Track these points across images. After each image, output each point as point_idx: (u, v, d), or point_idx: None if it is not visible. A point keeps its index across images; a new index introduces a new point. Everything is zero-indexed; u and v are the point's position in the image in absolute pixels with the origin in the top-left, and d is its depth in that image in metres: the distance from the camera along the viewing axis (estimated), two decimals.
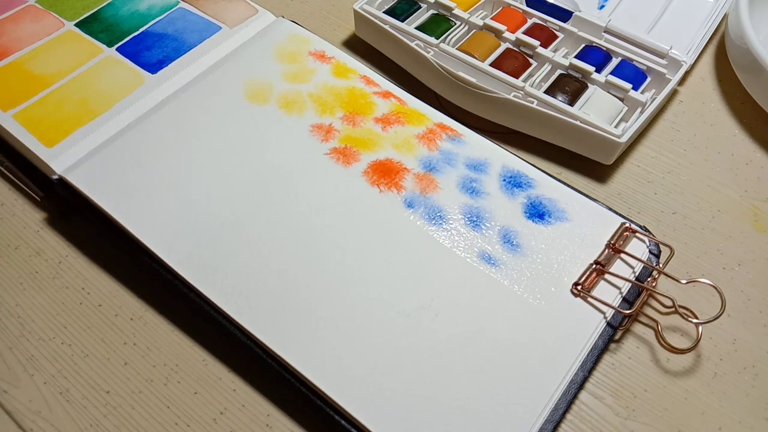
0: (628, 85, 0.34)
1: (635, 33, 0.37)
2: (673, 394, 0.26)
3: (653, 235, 0.29)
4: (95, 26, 0.36)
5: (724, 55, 0.39)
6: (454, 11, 0.38)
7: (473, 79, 0.34)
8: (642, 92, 0.35)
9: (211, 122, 0.31)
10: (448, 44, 0.36)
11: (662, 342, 0.28)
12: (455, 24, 0.38)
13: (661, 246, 0.29)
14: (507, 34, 0.36)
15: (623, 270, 0.28)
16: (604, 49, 0.37)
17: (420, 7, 0.39)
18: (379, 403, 0.24)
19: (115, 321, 0.28)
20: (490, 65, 0.35)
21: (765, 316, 0.29)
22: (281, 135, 0.31)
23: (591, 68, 0.34)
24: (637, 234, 0.29)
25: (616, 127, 0.32)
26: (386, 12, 0.38)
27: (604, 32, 0.37)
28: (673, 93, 0.38)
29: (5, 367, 0.27)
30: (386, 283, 0.26)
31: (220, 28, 0.36)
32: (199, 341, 0.27)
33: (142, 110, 0.32)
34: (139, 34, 0.36)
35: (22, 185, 0.32)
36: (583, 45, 0.37)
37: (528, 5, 0.39)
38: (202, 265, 0.27)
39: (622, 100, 0.34)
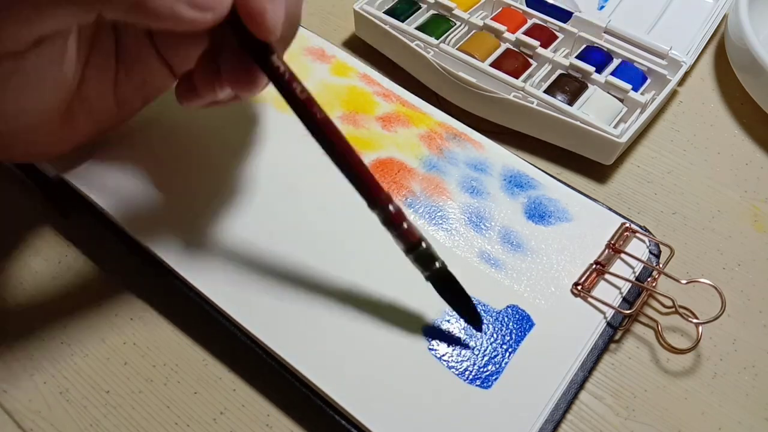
0: (627, 86, 0.34)
1: (635, 33, 0.37)
2: (673, 394, 0.27)
3: (653, 236, 0.29)
4: None
5: (724, 55, 0.39)
6: (454, 11, 0.38)
7: (473, 80, 0.34)
8: (642, 93, 0.35)
9: (209, 122, 0.31)
10: (448, 44, 0.36)
11: (662, 342, 0.28)
12: (455, 24, 0.38)
13: (661, 246, 0.29)
14: (507, 35, 0.36)
15: (623, 270, 0.28)
16: (605, 49, 0.37)
17: (420, 8, 0.39)
18: (379, 402, 0.24)
19: (115, 321, 0.28)
20: (490, 65, 0.35)
21: (765, 316, 0.29)
22: (278, 134, 0.31)
23: (591, 68, 0.34)
24: (637, 234, 0.29)
25: (615, 127, 0.32)
26: (386, 12, 0.38)
27: (604, 33, 0.37)
28: (673, 93, 0.38)
29: (5, 367, 0.27)
30: (386, 282, 0.26)
31: None
32: (199, 341, 0.27)
33: None
34: None
35: (22, 185, 0.32)
36: (584, 45, 0.37)
37: (528, 6, 0.39)
38: (202, 264, 0.27)
39: (621, 100, 0.34)
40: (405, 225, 0.22)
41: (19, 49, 0.19)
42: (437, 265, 0.23)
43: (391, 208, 0.22)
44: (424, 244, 0.23)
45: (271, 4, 0.19)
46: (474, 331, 0.25)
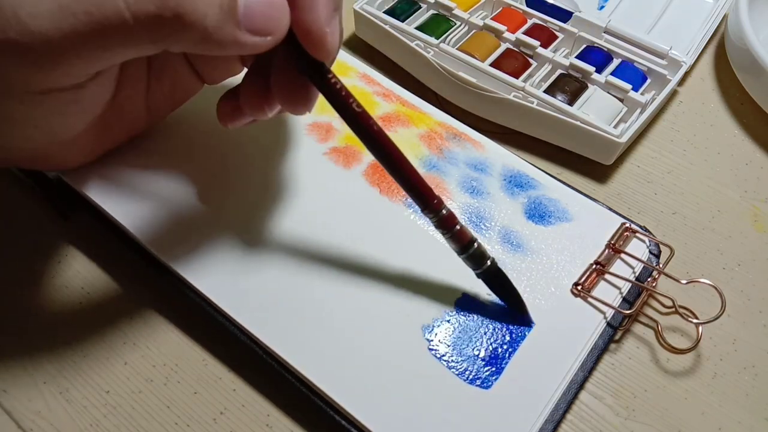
0: (628, 86, 0.34)
1: (635, 33, 0.37)
2: (673, 394, 0.27)
3: (653, 236, 0.29)
4: None
5: (724, 55, 0.39)
6: (454, 11, 0.38)
7: (473, 79, 0.34)
8: (642, 93, 0.35)
9: (207, 122, 0.31)
10: (448, 44, 0.36)
11: (662, 342, 0.28)
12: (455, 24, 0.38)
13: (661, 246, 0.29)
14: (507, 35, 0.36)
15: (623, 270, 0.28)
16: (605, 49, 0.37)
17: (420, 7, 0.39)
18: (379, 402, 0.24)
19: (115, 321, 0.28)
20: (490, 65, 0.35)
21: (765, 316, 0.29)
22: (278, 134, 0.31)
23: (591, 68, 0.34)
24: (637, 234, 0.29)
25: (615, 127, 0.32)
26: (386, 12, 0.38)
27: (604, 33, 0.37)
28: (673, 93, 0.38)
29: (5, 367, 0.26)
30: (386, 282, 0.26)
31: None
32: (199, 341, 0.27)
33: None
34: None
35: (22, 185, 0.32)
36: (584, 45, 0.37)
37: (528, 5, 0.39)
38: (201, 263, 0.27)
39: (621, 100, 0.34)
40: (457, 227, 0.23)
41: (82, 81, 0.20)
42: (488, 263, 0.24)
43: (444, 212, 0.23)
44: (475, 244, 0.24)
45: (329, 27, 0.20)
46: (474, 331, 0.25)
